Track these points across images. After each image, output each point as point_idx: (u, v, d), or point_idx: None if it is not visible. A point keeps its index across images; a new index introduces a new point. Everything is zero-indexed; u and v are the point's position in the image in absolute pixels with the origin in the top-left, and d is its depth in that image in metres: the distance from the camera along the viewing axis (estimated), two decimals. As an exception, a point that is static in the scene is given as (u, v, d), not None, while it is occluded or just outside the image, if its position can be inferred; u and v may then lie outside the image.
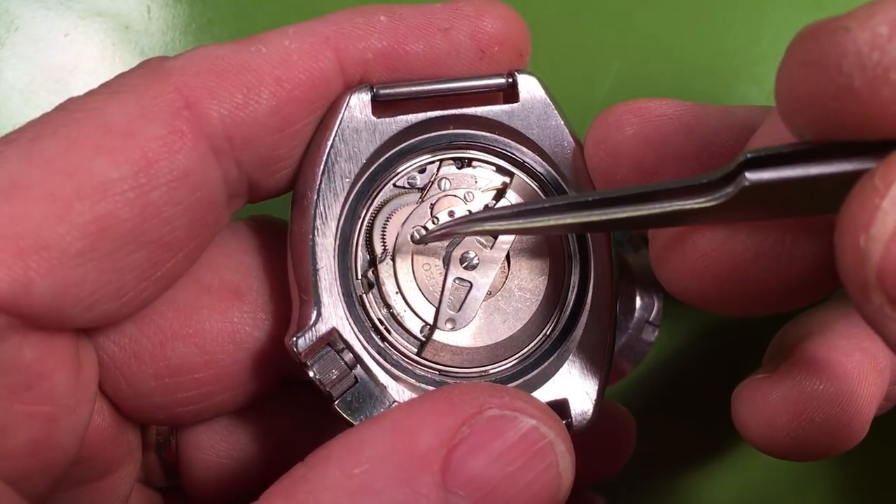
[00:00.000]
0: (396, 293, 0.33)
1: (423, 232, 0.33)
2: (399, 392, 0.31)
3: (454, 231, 0.32)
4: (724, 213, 0.25)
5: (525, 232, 0.33)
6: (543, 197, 0.34)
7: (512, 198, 0.34)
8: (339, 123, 0.31)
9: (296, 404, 0.38)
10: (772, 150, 0.23)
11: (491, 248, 0.33)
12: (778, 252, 0.26)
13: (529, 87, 0.33)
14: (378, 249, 0.33)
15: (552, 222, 0.29)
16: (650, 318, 0.49)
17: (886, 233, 0.20)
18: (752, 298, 0.28)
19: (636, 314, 0.49)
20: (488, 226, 0.31)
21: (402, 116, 0.32)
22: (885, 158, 0.21)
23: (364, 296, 0.33)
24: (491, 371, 0.33)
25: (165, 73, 0.29)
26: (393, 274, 0.33)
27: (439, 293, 0.33)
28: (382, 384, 0.31)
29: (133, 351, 0.31)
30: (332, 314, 0.31)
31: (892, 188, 0.20)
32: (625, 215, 0.27)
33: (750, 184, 0.23)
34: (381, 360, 0.31)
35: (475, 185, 0.34)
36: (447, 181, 0.34)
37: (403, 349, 0.33)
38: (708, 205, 0.25)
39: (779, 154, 0.23)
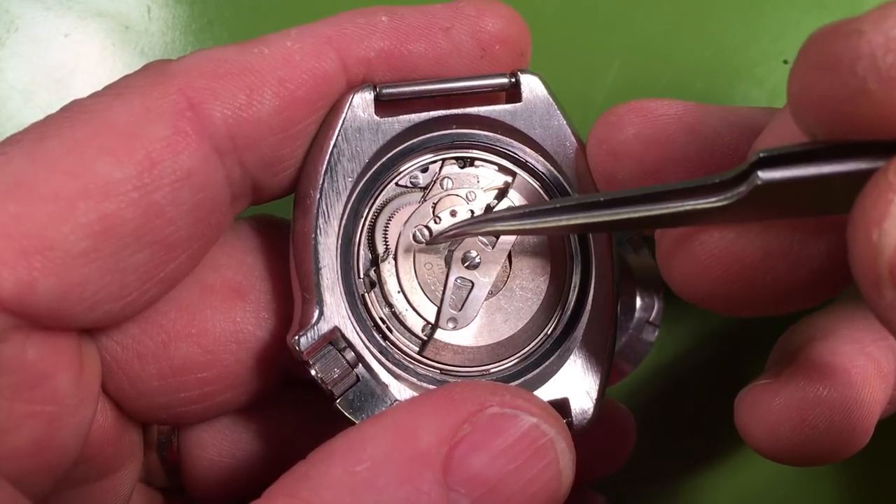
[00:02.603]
0: (398, 292, 0.33)
1: (426, 231, 0.33)
2: (400, 391, 0.31)
3: (465, 231, 0.32)
4: (735, 214, 0.25)
5: (536, 232, 0.33)
6: (546, 197, 0.34)
7: (514, 197, 0.34)
8: (342, 123, 0.31)
9: (297, 403, 0.38)
10: (785, 149, 0.23)
11: (493, 248, 0.34)
12: (786, 252, 0.26)
13: (532, 86, 0.33)
14: (380, 248, 0.33)
15: (563, 223, 0.29)
16: (650, 318, 0.49)
17: None
18: (759, 299, 0.28)
19: (636, 314, 0.49)
20: (499, 226, 0.31)
21: (404, 116, 0.32)
22: None
23: (366, 295, 0.33)
24: (492, 370, 0.33)
25: (169, 75, 0.29)
26: (395, 273, 0.33)
27: (441, 292, 0.33)
28: (384, 383, 0.31)
29: (136, 351, 0.32)
30: (335, 313, 0.31)
31: None
32: (636, 215, 0.27)
33: (763, 182, 0.23)
34: (383, 359, 0.31)
35: (477, 185, 0.34)
36: (449, 181, 0.34)
37: (405, 348, 0.33)
38: (720, 204, 0.25)
39: (792, 153, 0.23)
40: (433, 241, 0.33)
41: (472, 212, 0.34)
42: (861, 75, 0.20)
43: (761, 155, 0.23)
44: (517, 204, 0.34)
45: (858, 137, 0.22)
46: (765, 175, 0.23)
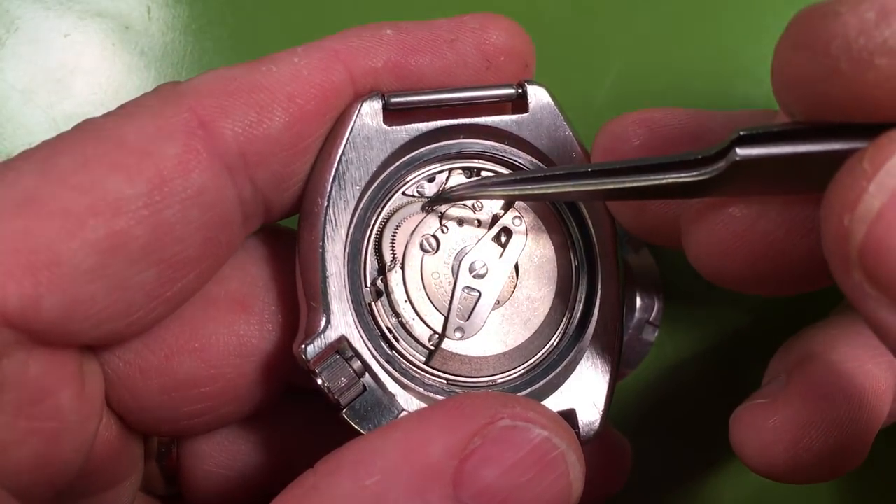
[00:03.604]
0: (405, 301, 0.33)
1: (433, 241, 0.33)
2: (407, 401, 0.31)
3: (462, 195, 0.33)
4: (717, 188, 0.26)
5: (527, 198, 0.34)
6: (551, 209, 0.35)
7: (520, 207, 0.34)
8: (351, 131, 0.31)
9: (296, 412, 0.37)
10: (763, 128, 0.24)
11: (500, 258, 0.33)
12: (809, 228, 0.27)
13: (539, 97, 0.33)
14: (387, 258, 0.33)
15: (552, 190, 0.30)
16: (650, 319, 0.49)
17: (870, 214, 0.21)
18: (786, 276, 0.28)
19: (636, 314, 0.49)
20: (493, 191, 0.32)
21: (412, 125, 0.32)
22: (874, 141, 0.21)
23: (373, 304, 0.32)
24: (499, 380, 0.33)
25: (180, 94, 0.29)
26: (402, 282, 0.33)
27: (448, 302, 0.33)
28: (391, 393, 0.31)
29: (138, 366, 0.31)
30: (342, 322, 0.30)
31: (879, 172, 0.21)
32: (622, 185, 0.28)
33: (740, 159, 0.24)
34: (390, 369, 0.31)
35: None
36: None
37: (412, 358, 0.33)
38: (700, 178, 0.26)
39: (770, 132, 0.24)
40: (430, 203, 0.34)
41: (479, 221, 0.34)
42: (834, 55, 0.21)
43: (741, 133, 0.24)
44: (521, 212, 0.34)
45: (832, 118, 0.22)
46: (742, 152, 0.24)
